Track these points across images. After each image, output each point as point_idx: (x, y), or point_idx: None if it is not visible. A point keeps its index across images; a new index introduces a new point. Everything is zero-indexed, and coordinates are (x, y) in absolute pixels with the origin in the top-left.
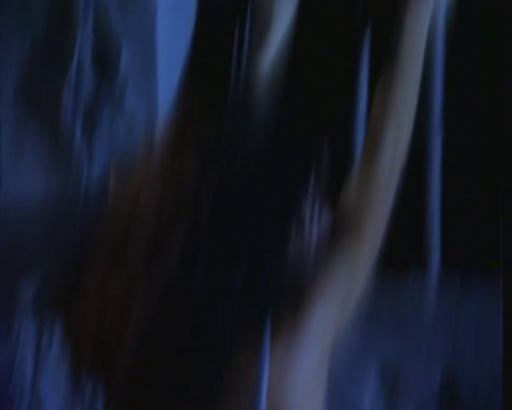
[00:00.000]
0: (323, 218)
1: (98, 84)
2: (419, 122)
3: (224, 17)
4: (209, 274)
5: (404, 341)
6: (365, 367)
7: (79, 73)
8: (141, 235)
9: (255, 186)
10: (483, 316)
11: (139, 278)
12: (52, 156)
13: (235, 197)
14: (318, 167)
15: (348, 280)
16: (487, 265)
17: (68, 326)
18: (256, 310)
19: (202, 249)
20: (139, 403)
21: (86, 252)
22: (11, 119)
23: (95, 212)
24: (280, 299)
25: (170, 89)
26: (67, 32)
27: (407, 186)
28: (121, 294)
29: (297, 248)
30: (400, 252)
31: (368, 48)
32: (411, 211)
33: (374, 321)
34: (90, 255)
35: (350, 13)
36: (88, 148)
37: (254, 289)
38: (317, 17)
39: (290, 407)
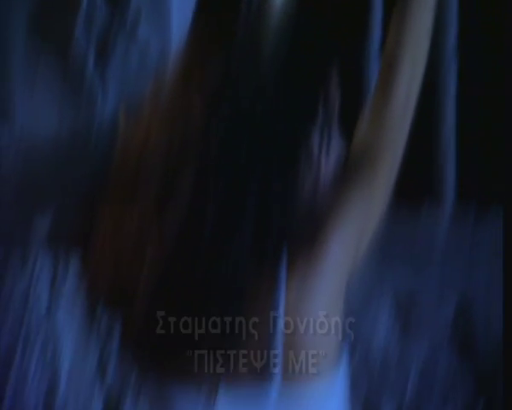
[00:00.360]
0: (335, 150)
1: (111, 15)
2: (433, 52)
3: None
4: (220, 210)
5: (418, 271)
6: (379, 298)
7: (92, 3)
8: (151, 173)
9: (263, 120)
10: (497, 245)
11: (151, 215)
12: (65, 89)
13: (243, 132)
14: (327, 100)
15: (363, 214)
16: (501, 195)
17: (84, 261)
18: (270, 243)
19: (212, 186)
20: (155, 338)
21: (100, 187)
22: (24, 53)
23: (109, 144)
24: (295, 232)
25: (183, 20)
26: None
27: (421, 117)
28: (134, 231)
29: (309, 182)
30: (415, 183)
31: None
32: (426, 142)
33: (388, 252)
34: (103, 191)
35: None
36: (101, 79)
37: (267, 224)
38: None
39: (306, 340)
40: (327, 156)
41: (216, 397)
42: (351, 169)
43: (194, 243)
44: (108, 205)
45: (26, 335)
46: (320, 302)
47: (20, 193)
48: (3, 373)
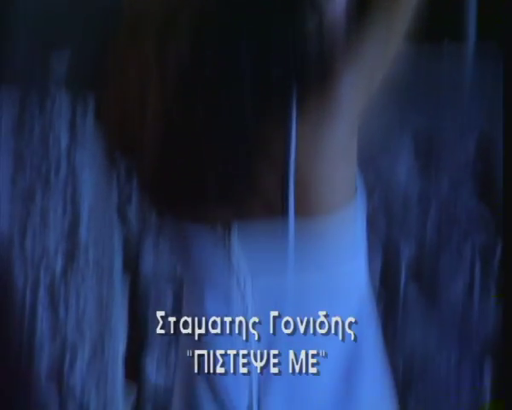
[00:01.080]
0: None
1: None
2: None
3: None
4: (221, 53)
5: (438, 112)
6: (399, 139)
7: None
8: (151, 17)
9: None
10: None
11: (153, 60)
12: None
13: None
14: None
15: (377, 55)
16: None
17: (99, 104)
18: (277, 87)
19: (212, 29)
20: (170, 183)
21: (114, 28)
22: None
23: None
24: (303, 74)
25: None
26: None
27: None
28: (138, 76)
29: (315, 20)
30: (435, 22)
31: None
32: None
33: (408, 93)
34: (117, 33)
35: None
36: None
37: (271, 66)
38: None
39: (319, 181)
40: None
41: (230, 234)
42: (366, 6)
43: (195, 88)
44: (118, 48)
45: (46, 176)
46: (333, 145)
47: (37, 34)
48: (24, 215)
